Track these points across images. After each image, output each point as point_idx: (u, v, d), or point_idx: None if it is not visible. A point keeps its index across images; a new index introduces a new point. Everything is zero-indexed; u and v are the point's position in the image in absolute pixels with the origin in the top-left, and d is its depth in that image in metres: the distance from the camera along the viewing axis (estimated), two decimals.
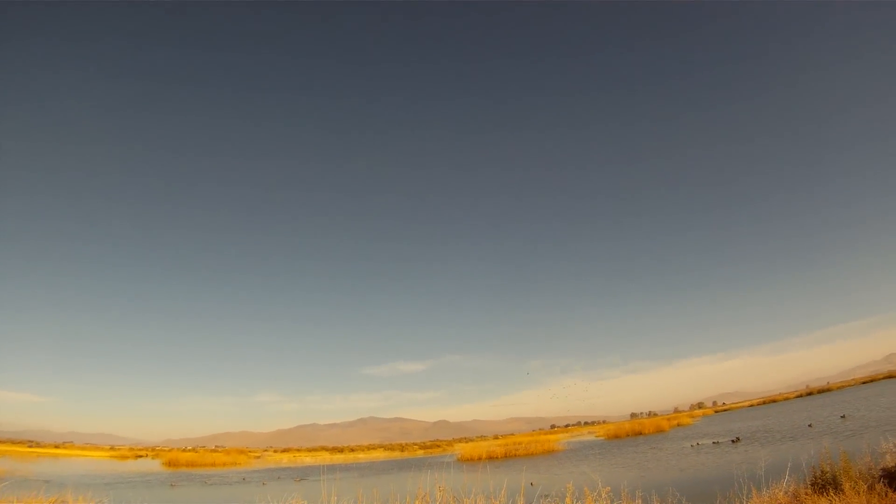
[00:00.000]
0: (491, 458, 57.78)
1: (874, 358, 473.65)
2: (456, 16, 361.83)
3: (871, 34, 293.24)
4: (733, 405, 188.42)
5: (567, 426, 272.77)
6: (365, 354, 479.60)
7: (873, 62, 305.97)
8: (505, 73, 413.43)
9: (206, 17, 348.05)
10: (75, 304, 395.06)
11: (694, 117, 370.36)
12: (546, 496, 19.76)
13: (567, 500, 14.92)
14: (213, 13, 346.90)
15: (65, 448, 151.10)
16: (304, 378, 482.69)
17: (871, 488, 13.29)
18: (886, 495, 12.88)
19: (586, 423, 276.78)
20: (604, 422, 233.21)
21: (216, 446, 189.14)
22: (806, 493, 14.16)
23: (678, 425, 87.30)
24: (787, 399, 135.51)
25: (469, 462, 55.55)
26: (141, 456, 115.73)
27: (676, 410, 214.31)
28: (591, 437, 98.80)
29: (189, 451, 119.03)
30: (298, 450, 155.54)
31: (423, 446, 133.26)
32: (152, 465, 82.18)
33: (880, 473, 14.40)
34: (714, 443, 42.74)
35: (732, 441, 41.08)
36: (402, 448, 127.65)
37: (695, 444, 44.68)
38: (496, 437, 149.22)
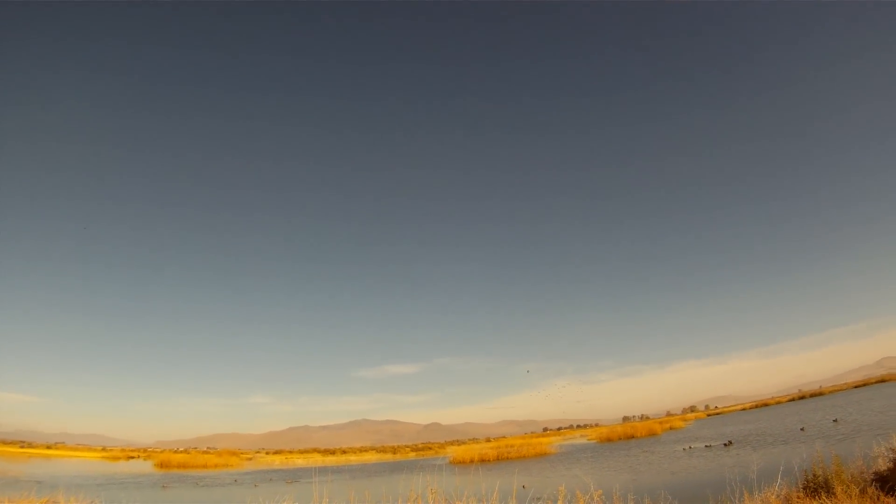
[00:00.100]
0: (483, 461, 57.67)
1: (866, 362, 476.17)
2: (455, 18, 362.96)
3: (872, 34, 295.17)
4: (726, 409, 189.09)
5: (559, 429, 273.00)
6: (357, 357, 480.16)
7: (873, 62, 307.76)
8: (504, 74, 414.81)
9: (206, 17, 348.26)
10: (69, 304, 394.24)
11: (687, 122, 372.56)
12: (538, 499, 19.70)
13: (559, 502, 14.85)
14: (213, 13, 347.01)
15: (56, 449, 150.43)
16: (297, 380, 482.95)
17: (863, 492, 13.28)
18: (879, 499, 12.87)
19: (578, 427, 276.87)
20: (596, 425, 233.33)
21: (208, 448, 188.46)
22: (798, 497, 14.13)
23: (670, 429, 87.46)
24: (779, 403, 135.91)
25: (461, 465, 55.40)
26: (133, 457, 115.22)
27: (669, 414, 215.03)
28: (583, 441, 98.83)
29: (181, 452, 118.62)
30: (290, 452, 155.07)
31: (415, 449, 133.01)
32: (144, 466, 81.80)
33: (872, 477, 14.40)
34: (706, 446, 42.78)
35: (725, 444, 41.14)
36: (394, 450, 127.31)
37: (687, 447, 44.69)
38: (488, 440, 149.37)
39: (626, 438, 75.61)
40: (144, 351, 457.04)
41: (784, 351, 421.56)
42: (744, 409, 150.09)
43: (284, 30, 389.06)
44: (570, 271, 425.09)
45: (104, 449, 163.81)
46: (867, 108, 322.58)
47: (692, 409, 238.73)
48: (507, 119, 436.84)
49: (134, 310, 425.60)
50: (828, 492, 13.68)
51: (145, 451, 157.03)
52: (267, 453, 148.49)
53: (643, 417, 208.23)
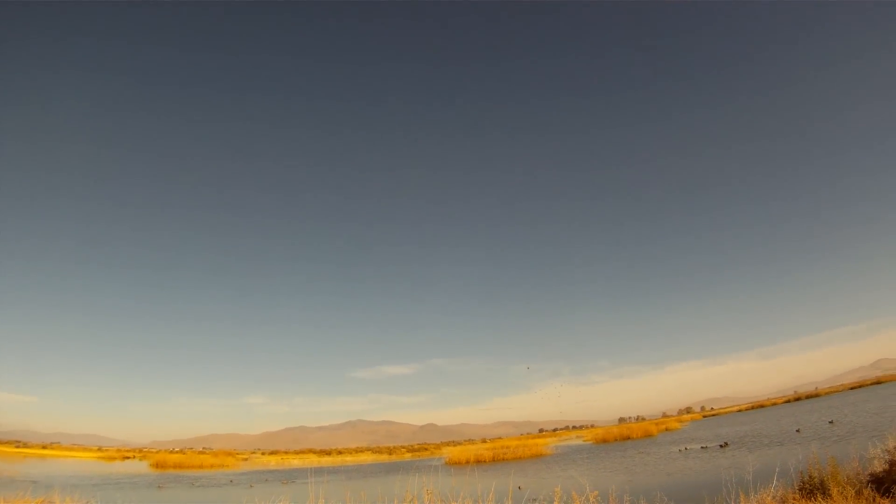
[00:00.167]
0: (479, 462, 57.68)
1: (863, 363, 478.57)
2: (455, 18, 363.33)
3: (872, 34, 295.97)
4: (722, 410, 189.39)
5: (555, 430, 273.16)
6: (353, 357, 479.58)
7: (873, 62, 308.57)
8: (504, 74, 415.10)
9: (206, 18, 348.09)
10: (65, 304, 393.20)
11: (685, 122, 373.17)
12: (534, 500, 19.66)
13: (555, 503, 14.83)
14: (213, 13, 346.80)
15: (52, 449, 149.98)
16: (292, 381, 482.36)
17: (858, 493, 13.28)
18: (874, 501, 12.87)
19: (574, 428, 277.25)
20: (592, 426, 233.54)
21: (204, 448, 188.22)
22: (794, 498, 14.13)
23: (666, 430, 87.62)
24: (775, 404, 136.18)
25: (457, 465, 55.35)
26: (128, 457, 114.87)
27: (665, 415, 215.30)
28: (579, 442, 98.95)
29: (177, 452, 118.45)
30: (286, 452, 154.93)
31: (411, 449, 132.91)
32: (140, 466, 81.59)
33: (868, 479, 14.39)
34: (702, 447, 42.80)
35: (721, 446, 41.16)
36: (389, 451, 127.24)
37: (683, 448, 44.73)
38: (484, 441, 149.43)
39: (622, 439, 75.68)
40: (140, 351, 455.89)
41: (780, 353, 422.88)
42: (740, 411, 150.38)
43: (284, 30, 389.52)
44: (567, 272, 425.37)
45: (100, 449, 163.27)
46: (867, 109, 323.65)
47: (688, 410, 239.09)
48: (504, 119, 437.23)
49: (131, 310, 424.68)
50: (823, 493, 13.68)
51: (141, 451, 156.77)
52: (263, 454, 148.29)
53: (639, 418, 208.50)
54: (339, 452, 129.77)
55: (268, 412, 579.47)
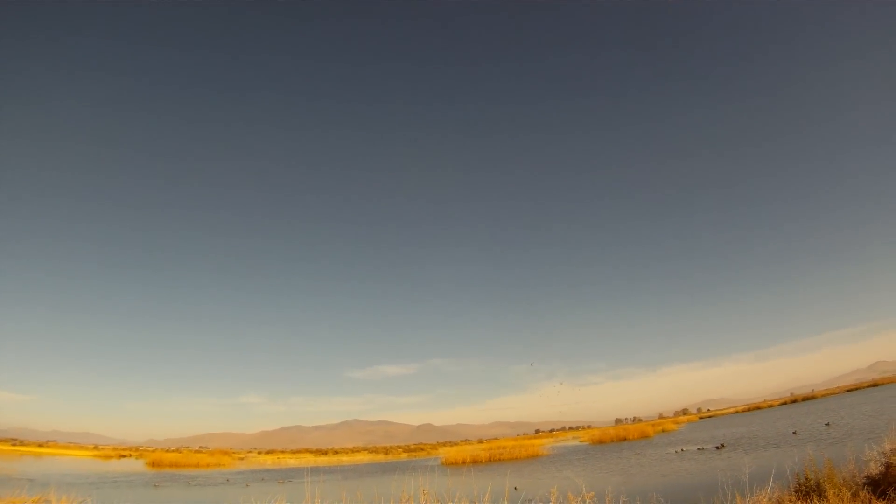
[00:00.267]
0: (475, 462, 57.66)
1: (859, 366, 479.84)
2: (456, 19, 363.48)
3: (872, 34, 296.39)
4: (718, 412, 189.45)
5: (552, 431, 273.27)
6: (350, 357, 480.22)
7: (873, 62, 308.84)
8: (504, 75, 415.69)
9: (206, 18, 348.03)
10: (62, 303, 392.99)
11: (684, 124, 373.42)
12: (530, 500, 19.65)
13: None
14: (213, 13, 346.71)
15: (48, 447, 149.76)
16: (289, 380, 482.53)
17: (854, 496, 13.28)
18: (870, 503, 12.87)
19: (571, 429, 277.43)
20: (588, 427, 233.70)
21: (200, 447, 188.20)
22: (790, 500, 14.12)
23: (663, 431, 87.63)
24: (771, 406, 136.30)
25: (453, 466, 55.32)
26: (125, 456, 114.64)
27: (661, 416, 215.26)
28: (575, 443, 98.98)
29: (173, 451, 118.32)
30: (282, 452, 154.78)
31: (408, 450, 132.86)
32: (136, 465, 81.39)
33: (864, 481, 14.40)
34: (698, 449, 42.81)
35: (717, 447, 41.18)
36: (386, 451, 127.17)
37: (679, 450, 44.73)
38: (481, 442, 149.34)
39: (618, 441, 75.69)
40: (137, 350, 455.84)
41: (777, 355, 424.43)
42: (736, 413, 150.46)
43: (284, 30, 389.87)
44: (564, 274, 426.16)
45: (96, 447, 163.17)
46: (866, 110, 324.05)
47: (684, 411, 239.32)
48: (504, 119, 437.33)
49: (127, 309, 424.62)
50: (819, 495, 13.67)
51: (137, 449, 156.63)
52: (259, 453, 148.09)
53: (635, 420, 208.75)
54: (336, 452, 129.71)
55: (265, 411, 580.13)
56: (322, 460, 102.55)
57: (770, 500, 14.34)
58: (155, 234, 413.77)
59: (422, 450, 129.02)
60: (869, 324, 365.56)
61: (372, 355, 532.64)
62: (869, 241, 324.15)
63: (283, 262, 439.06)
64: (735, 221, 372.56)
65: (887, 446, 15.85)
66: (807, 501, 13.76)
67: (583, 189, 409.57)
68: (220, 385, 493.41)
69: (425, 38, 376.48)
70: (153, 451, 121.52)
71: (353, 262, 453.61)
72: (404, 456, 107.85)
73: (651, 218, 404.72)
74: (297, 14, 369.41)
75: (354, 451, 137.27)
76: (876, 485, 14.02)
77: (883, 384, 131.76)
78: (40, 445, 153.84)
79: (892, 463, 14.47)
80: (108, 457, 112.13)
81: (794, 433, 42.19)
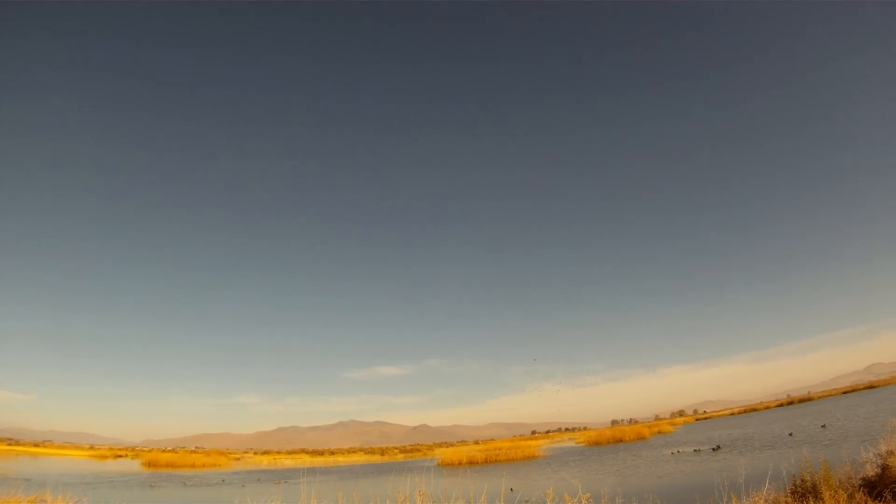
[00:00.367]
0: (471, 463, 57.62)
1: (856, 368, 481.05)
2: (456, 19, 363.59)
3: (872, 34, 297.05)
4: (714, 413, 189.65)
5: (548, 432, 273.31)
6: (347, 358, 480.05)
7: (873, 62, 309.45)
8: (504, 75, 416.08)
9: (206, 18, 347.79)
10: (58, 302, 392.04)
11: (682, 125, 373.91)
12: (526, 501, 19.62)
13: None
14: (213, 13, 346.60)
15: (44, 447, 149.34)
16: (286, 380, 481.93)
17: (850, 497, 13.28)
18: None
19: (567, 430, 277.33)
20: (585, 428, 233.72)
21: (196, 447, 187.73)
22: (786, 502, 14.12)
23: (659, 433, 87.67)
24: (768, 408, 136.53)
25: (449, 466, 55.27)
26: (121, 456, 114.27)
27: (657, 418, 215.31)
28: (571, 444, 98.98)
29: (169, 451, 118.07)
30: (278, 452, 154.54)
31: (404, 450, 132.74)
32: (132, 465, 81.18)
33: (860, 482, 14.40)
34: (695, 450, 42.83)
35: (713, 449, 41.20)
36: (382, 452, 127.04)
37: (675, 451, 44.74)
38: (477, 442, 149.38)
39: (615, 442, 75.71)
40: (134, 350, 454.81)
41: (773, 356, 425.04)
42: (732, 414, 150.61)
43: (284, 30, 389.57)
44: (561, 275, 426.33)
45: (92, 447, 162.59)
46: (866, 110, 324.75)
47: (681, 413, 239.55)
48: (504, 120, 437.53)
49: (124, 309, 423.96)
50: (815, 497, 13.67)
51: (133, 449, 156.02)
52: (255, 453, 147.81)
53: (632, 421, 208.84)
54: (332, 453, 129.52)
55: (261, 412, 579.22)
56: (318, 461, 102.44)
57: (766, 501, 14.34)
58: (152, 234, 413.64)
59: (418, 451, 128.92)
60: (865, 326, 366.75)
61: (369, 356, 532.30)
62: (866, 243, 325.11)
63: (281, 262, 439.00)
64: (732, 223, 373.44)
65: (883, 448, 15.85)
66: (803, 503, 13.76)
67: (581, 190, 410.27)
68: (217, 385, 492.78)
69: (425, 38, 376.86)
70: (149, 452, 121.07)
71: (350, 263, 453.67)
72: (400, 457, 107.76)
73: (649, 219, 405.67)
74: (297, 14, 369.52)
75: (351, 451, 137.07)
76: (872, 486, 14.02)
77: (879, 386, 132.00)
78: (36, 445, 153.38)
79: (888, 465, 14.47)
80: (104, 457, 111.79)
81: (790, 435, 42.25)
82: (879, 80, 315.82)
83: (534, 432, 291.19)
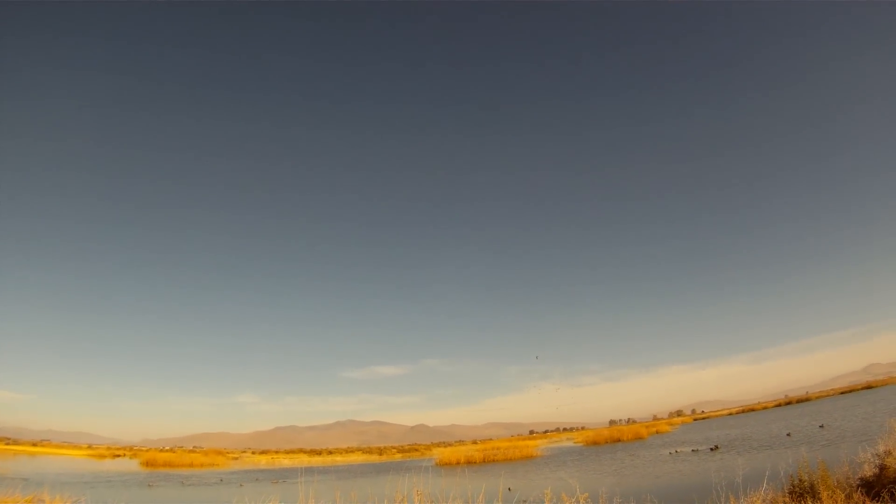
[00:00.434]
0: (469, 463, 57.60)
1: (854, 368, 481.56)
2: (455, 20, 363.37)
3: (872, 34, 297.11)
4: (712, 413, 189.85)
5: (546, 432, 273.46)
6: (345, 357, 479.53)
7: (873, 62, 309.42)
8: (504, 75, 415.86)
9: (206, 18, 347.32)
10: (56, 302, 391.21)
11: (681, 126, 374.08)
12: (524, 501, 19.62)
13: None
14: (213, 13, 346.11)
15: (42, 446, 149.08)
16: (284, 380, 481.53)
17: (848, 497, 13.28)
18: None
19: (565, 430, 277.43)
20: (582, 428, 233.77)
21: (194, 447, 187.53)
22: (784, 502, 14.12)
23: (657, 433, 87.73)
24: (765, 408, 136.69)
25: (447, 466, 55.23)
26: (119, 455, 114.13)
27: (655, 418, 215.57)
28: (569, 444, 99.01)
29: (167, 451, 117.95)
30: (276, 452, 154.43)
31: (402, 450, 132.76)
32: (130, 464, 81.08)
33: (858, 483, 14.41)
34: (693, 450, 42.85)
35: (711, 449, 41.22)
36: (380, 451, 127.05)
37: (673, 451, 44.76)
38: (475, 442, 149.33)
39: (613, 442, 75.74)
40: (132, 349, 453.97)
41: (771, 356, 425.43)
42: (730, 414, 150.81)
43: (284, 30, 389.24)
44: (559, 275, 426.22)
45: (90, 447, 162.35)
46: (866, 110, 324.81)
47: (679, 413, 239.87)
48: (504, 120, 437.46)
49: (122, 308, 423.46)
50: (813, 496, 13.67)
51: (131, 449, 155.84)
52: (253, 453, 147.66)
53: (630, 421, 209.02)
54: (330, 452, 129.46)
55: (259, 411, 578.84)
56: (316, 460, 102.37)
57: (764, 501, 14.34)
58: (151, 234, 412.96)
59: (416, 450, 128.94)
60: (863, 326, 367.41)
61: (367, 355, 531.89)
62: (865, 244, 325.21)
63: (279, 262, 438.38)
64: (731, 224, 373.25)
65: (881, 448, 15.88)
66: (801, 503, 13.76)
67: (580, 190, 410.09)
68: (215, 385, 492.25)
69: (425, 38, 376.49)
70: (147, 451, 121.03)
71: (349, 263, 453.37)
72: (398, 456, 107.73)
73: (648, 219, 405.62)
74: (297, 14, 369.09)
75: (348, 451, 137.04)
76: (870, 486, 14.02)
77: (877, 386, 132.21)
78: (34, 445, 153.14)
79: (886, 465, 14.48)
80: (102, 456, 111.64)
81: (788, 435, 42.30)
82: (879, 80, 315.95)
83: (532, 432, 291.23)
